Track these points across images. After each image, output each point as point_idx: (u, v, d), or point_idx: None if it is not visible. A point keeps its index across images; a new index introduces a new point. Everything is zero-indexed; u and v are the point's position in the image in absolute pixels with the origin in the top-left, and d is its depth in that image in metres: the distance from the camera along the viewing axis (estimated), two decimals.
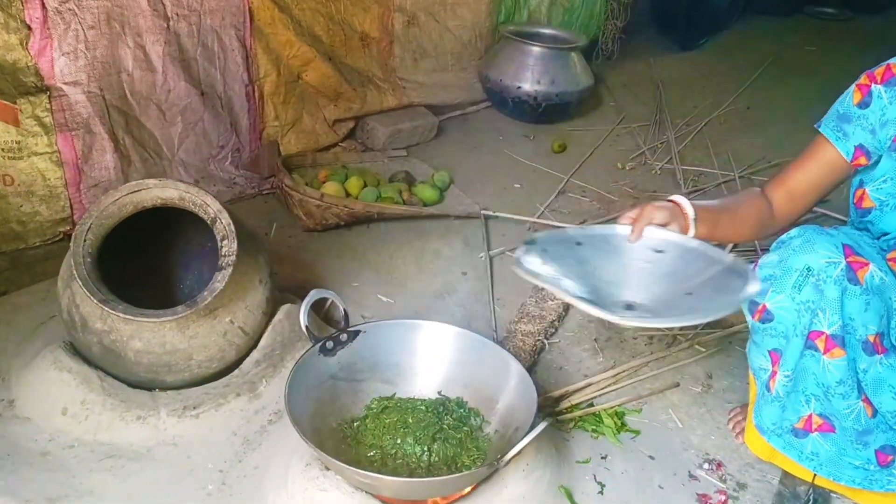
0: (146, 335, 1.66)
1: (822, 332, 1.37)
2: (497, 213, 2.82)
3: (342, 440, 1.59)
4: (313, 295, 1.66)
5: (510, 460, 1.39)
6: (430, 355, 1.73)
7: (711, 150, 3.51)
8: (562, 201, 3.02)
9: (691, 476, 1.76)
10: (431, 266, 2.54)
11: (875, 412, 1.41)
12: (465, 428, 1.61)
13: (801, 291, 1.38)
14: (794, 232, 1.44)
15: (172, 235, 2.06)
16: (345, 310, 1.71)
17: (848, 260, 1.35)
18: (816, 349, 1.38)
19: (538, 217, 2.84)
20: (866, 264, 1.36)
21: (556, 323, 2.24)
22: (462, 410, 1.65)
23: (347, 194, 2.74)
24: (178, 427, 1.68)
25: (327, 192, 2.65)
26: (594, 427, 1.86)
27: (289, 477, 1.52)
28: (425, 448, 1.54)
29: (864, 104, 1.49)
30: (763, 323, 1.44)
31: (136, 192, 1.71)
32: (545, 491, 1.57)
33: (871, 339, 1.37)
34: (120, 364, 1.70)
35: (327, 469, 1.49)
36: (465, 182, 3.07)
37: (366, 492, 1.45)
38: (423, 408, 1.64)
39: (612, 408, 1.93)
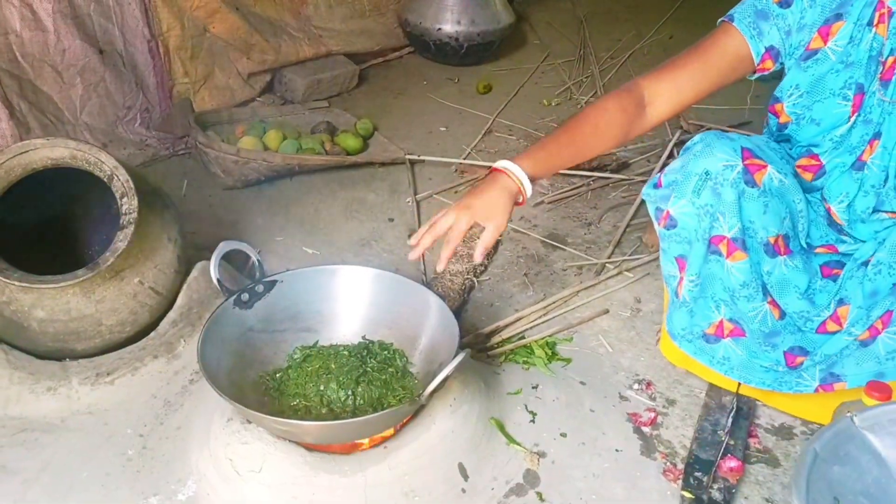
0: (48, 303, 1.58)
1: (724, 237, 1.37)
2: (423, 157, 2.77)
3: (265, 392, 1.55)
4: (223, 247, 1.59)
5: (431, 394, 1.37)
6: (351, 300, 1.68)
7: None
8: (488, 141, 2.99)
9: (622, 397, 1.77)
10: (357, 215, 2.49)
11: (782, 314, 1.43)
12: (391, 369, 1.58)
13: (700, 195, 1.37)
14: (697, 138, 1.43)
15: (80, 201, 1.95)
16: (258, 260, 1.65)
17: (745, 163, 1.35)
18: (720, 254, 1.39)
19: (465, 158, 2.80)
20: (764, 167, 1.35)
21: (485, 261, 2.22)
22: (386, 352, 1.61)
23: (266, 148, 2.64)
24: (92, 395, 1.61)
25: (244, 146, 2.56)
26: (525, 359, 1.86)
27: (210, 434, 1.47)
28: (349, 392, 1.50)
29: (785, 3, 1.42)
30: (668, 229, 1.44)
31: (23, 153, 1.60)
32: (475, 424, 1.56)
33: (772, 240, 1.38)
34: (24, 335, 1.61)
35: (249, 422, 1.45)
36: (390, 129, 3.00)
37: (289, 440, 1.42)
38: (346, 353, 1.60)
39: (543, 339, 1.93)
